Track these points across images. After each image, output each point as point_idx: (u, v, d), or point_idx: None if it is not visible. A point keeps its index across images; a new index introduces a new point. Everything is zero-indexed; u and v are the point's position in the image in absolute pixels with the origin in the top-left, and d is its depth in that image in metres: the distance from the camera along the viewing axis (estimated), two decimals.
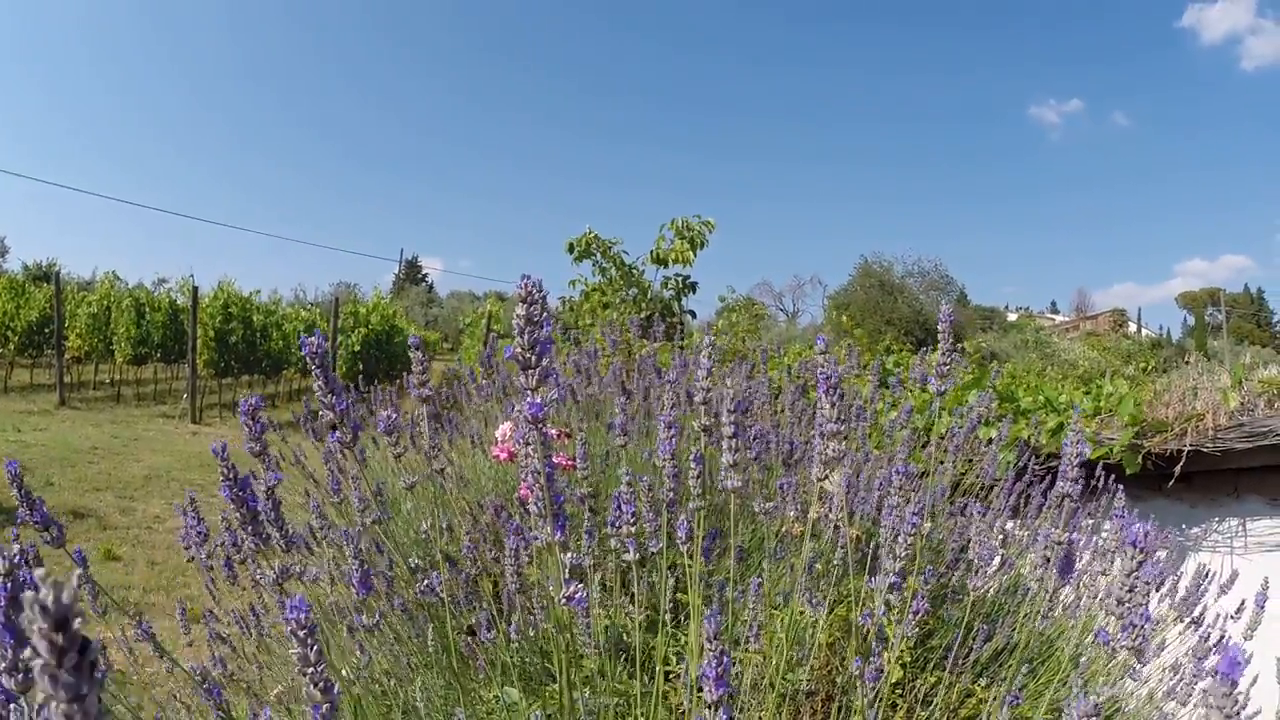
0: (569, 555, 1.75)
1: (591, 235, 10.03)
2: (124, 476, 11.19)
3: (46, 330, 20.93)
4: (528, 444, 1.57)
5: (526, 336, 1.42)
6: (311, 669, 1.16)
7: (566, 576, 1.76)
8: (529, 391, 1.44)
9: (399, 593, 2.66)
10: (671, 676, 2.53)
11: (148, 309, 21.06)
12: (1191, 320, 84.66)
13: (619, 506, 2.08)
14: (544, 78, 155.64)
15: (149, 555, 7.97)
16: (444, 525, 2.90)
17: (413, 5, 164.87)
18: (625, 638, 2.58)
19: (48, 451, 12.29)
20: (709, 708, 1.16)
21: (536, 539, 1.63)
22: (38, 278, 31.13)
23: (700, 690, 1.19)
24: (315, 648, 1.15)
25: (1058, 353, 30.05)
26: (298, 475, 5.02)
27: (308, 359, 1.67)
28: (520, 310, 1.43)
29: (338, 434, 1.74)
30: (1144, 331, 63.03)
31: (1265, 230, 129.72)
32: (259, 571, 1.79)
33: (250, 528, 1.61)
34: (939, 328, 2.26)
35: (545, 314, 1.44)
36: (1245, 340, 63.54)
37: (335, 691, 1.20)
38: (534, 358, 1.44)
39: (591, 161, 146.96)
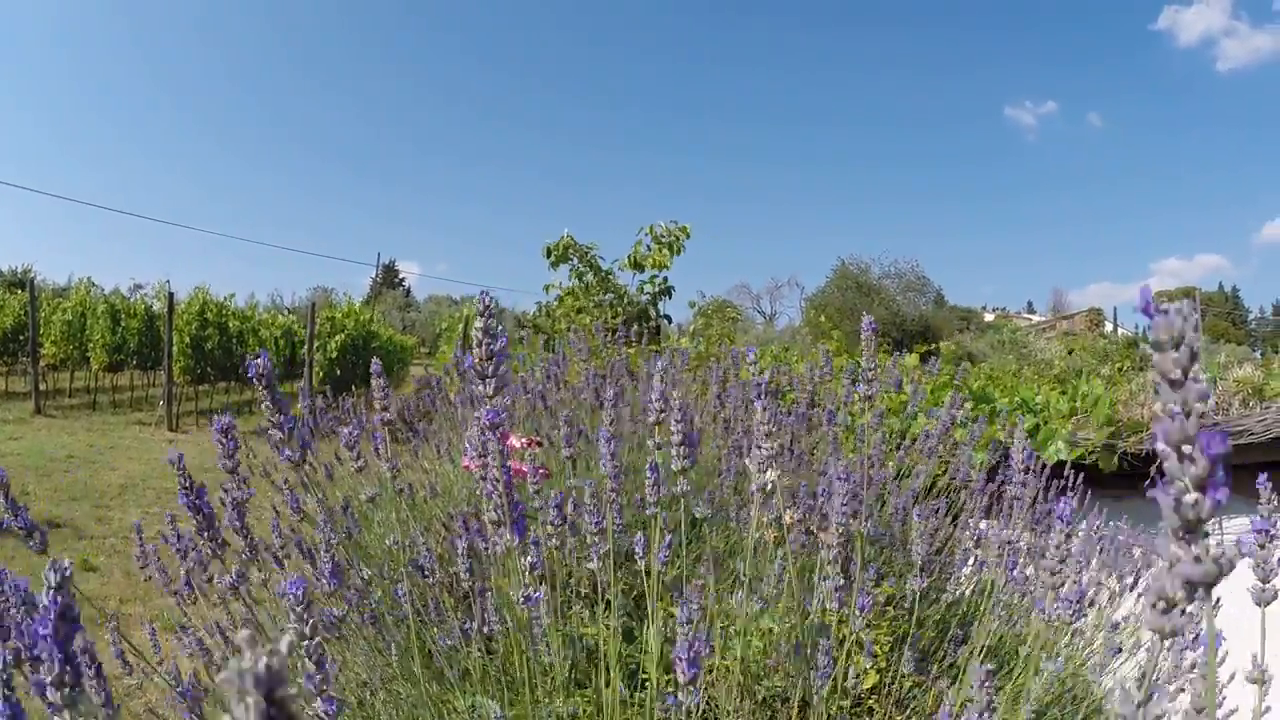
0: (528, 558, 1.77)
1: (569, 240, 10.05)
2: (100, 485, 11.14)
3: (21, 337, 20.82)
4: (484, 453, 1.58)
5: (484, 348, 1.47)
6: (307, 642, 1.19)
7: (526, 580, 1.78)
8: (486, 399, 1.47)
9: (369, 605, 2.65)
10: (645, 684, 2.53)
11: (123, 315, 20.93)
12: None
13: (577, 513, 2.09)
14: (519, 81, 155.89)
15: (125, 565, 7.93)
16: (414, 536, 2.89)
17: (387, 9, 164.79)
18: (594, 645, 2.58)
19: (23, 460, 12.22)
20: (681, 688, 1.19)
21: (496, 544, 1.65)
22: (12, 284, 30.99)
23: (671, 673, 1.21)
24: (311, 622, 1.18)
25: (1034, 353, 30.13)
26: (269, 487, 5.01)
27: (255, 379, 1.69)
28: (478, 324, 1.49)
29: (286, 452, 1.74)
30: (1120, 330, 63.09)
31: (1240, 230, 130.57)
32: (221, 578, 1.79)
33: (206, 533, 1.63)
34: (862, 336, 2.29)
35: (501, 326, 1.46)
36: (1221, 339, 63.74)
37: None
38: (491, 367, 1.49)
39: (569, 165, 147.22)
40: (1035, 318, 72.35)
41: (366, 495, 2.55)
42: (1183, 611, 0.68)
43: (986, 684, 1.48)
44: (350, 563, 2.68)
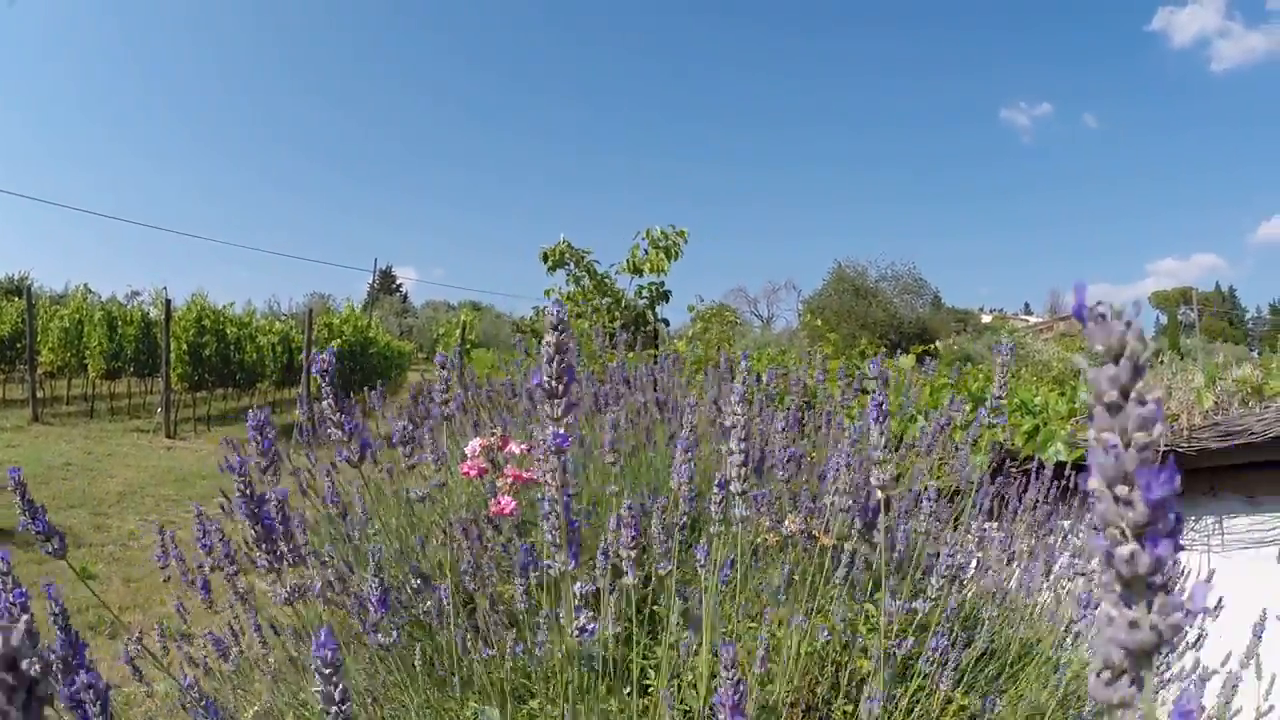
0: (579, 585, 1.73)
1: (565, 245, 10.03)
2: (98, 493, 11.11)
3: (18, 345, 20.77)
4: (548, 473, 1.55)
5: (555, 365, 1.40)
6: (335, 708, 1.13)
7: (578, 605, 1.74)
8: (552, 421, 1.43)
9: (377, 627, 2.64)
10: (650, 691, 2.52)
11: (120, 322, 20.89)
12: (1164, 319, 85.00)
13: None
14: (514, 86, 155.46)
15: (124, 572, 7.91)
16: (417, 543, 2.89)
17: (381, 14, 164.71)
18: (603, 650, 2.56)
19: (21, 468, 12.18)
20: None
21: (549, 567, 1.62)
22: (9, 291, 30.91)
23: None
24: (340, 686, 1.12)
25: (1031, 354, 30.13)
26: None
27: (319, 376, 1.66)
28: (549, 338, 1.42)
29: (345, 453, 1.73)
30: None
31: (1236, 229, 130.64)
32: (275, 590, 1.76)
33: (265, 545, 1.60)
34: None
35: (573, 342, 1.42)
36: (1218, 338, 63.87)
37: None
38: (560, 386, 1.43)
39: (565, 170, 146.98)
40: (1032, 319, 72.46)
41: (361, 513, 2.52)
42: (1133, 681, 0.57)
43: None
44: (351, 569, 2.66)
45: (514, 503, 2.71)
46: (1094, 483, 0.57)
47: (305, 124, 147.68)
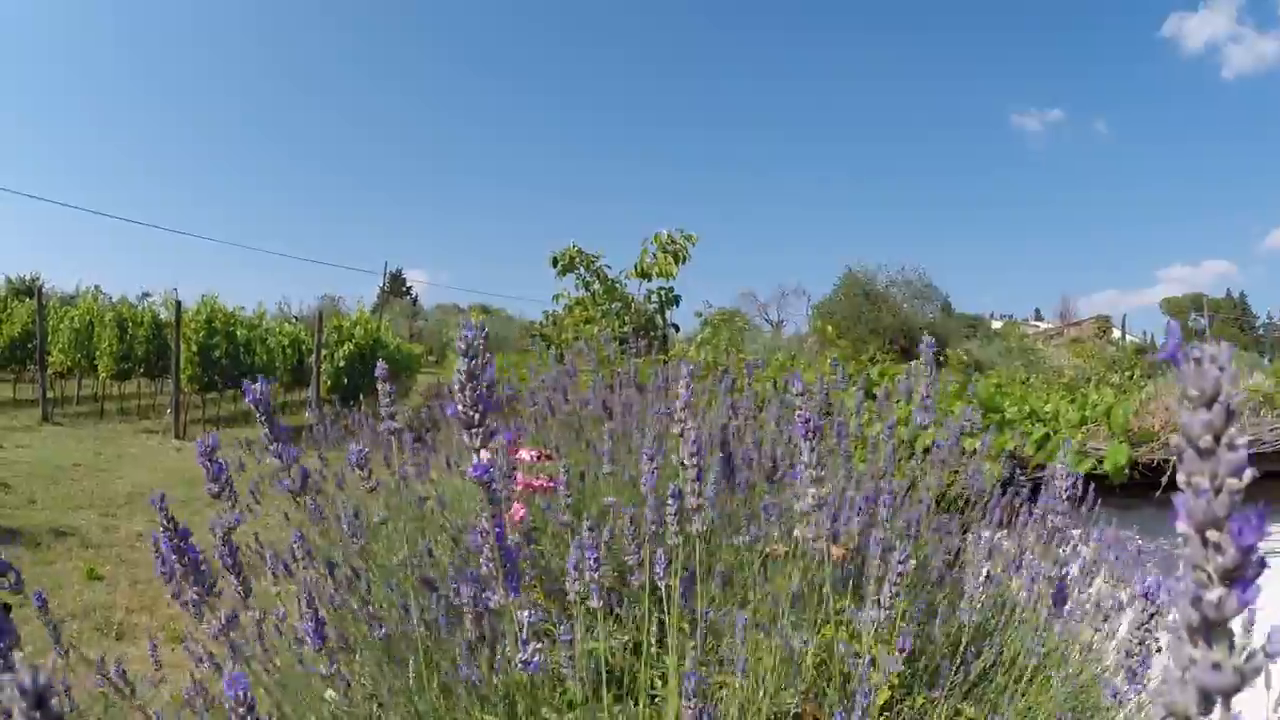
0: (525, 613, 1.65)
1: (575, 249, 10.02)
2: (107, 494, 11.13)
3: (29, 345, 20.85)
4: (480, 508, 1.50)
5: (468, 393, 1.37)
6: None
7: (524, 637, 1.68)
8: (473, 452, 1.38)
9: (380, 620, 2.62)
10: (658, 700, 2.51)
11: (130, 324, 20.93)
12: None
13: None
14: (524, 92, 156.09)
15: (131, 574, 7.92)
16: (425, 549, 2.87)
17: (389, 20, 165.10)
18: (609, 661, 2.55)
19: (31, 468, 12.22)
20: None
21: (490, 600, 1.57)
22: (20, 292, 30.95)
23: None
24: None
25: (1042, 360, 30.08)
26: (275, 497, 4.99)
27: (252, 405, 1.62)
28: (461, 366, 1.37)
29: (287, 481, 1.70)
30: (1128, 338, 63.03)
31: (1247, 236, 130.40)
32: (209, 624, 1.73)
33: (191, 579, 1.56)
34: (920, 356, 2.26)
35: (489, 367, 1.38)
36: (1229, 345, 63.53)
37: None
38: (477, 415, 1.39)
39: (575, 176, 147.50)
40: (1042, 325, 72.27)
41: (378, 518, 2.50)
42: None
43: None
44: (358, 574, 2.65)
45: (524, 509, 2.69)
46: (1183, 526, 0.58)
47: (317, 131, 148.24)
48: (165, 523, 1.48)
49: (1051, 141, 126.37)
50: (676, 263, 9.82)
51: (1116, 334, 59.08)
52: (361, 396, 20.40)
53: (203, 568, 1.55)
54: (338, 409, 8.09)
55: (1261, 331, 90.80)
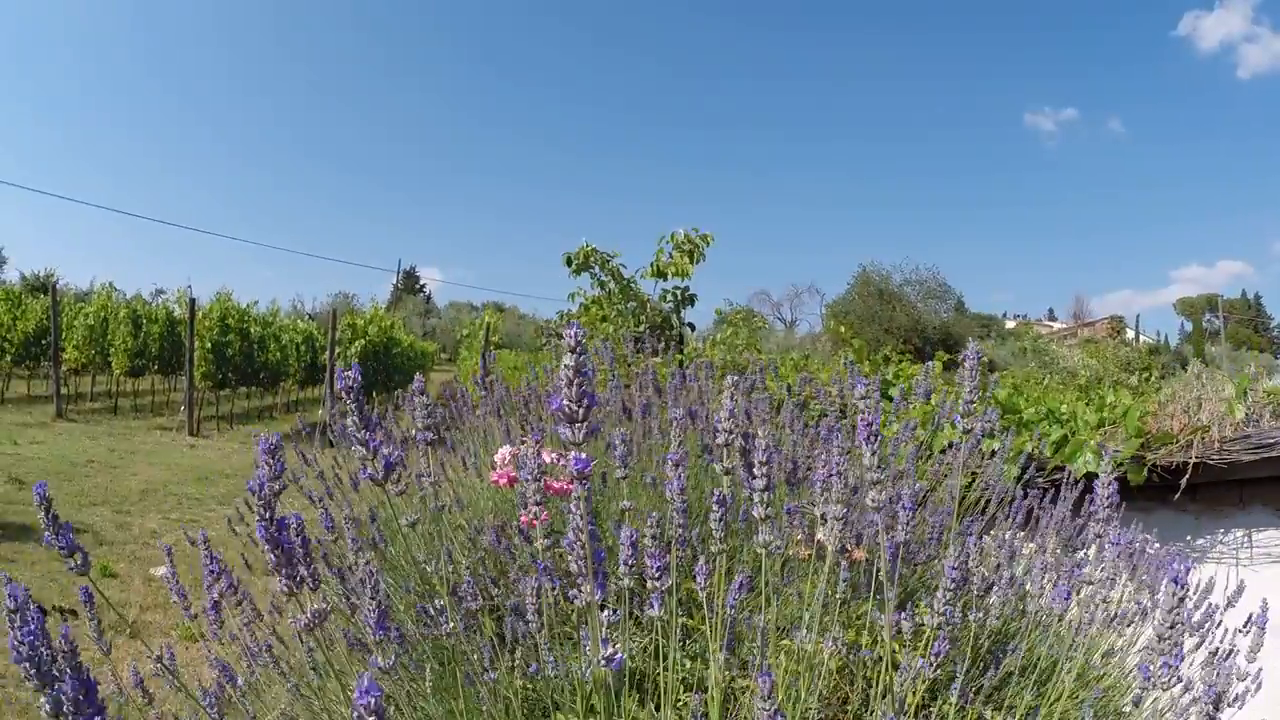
0: (607, 613, 1.66)
1: (590, 248, 9.98)
2: (121, 490, 11.13)
3: (43, 341, 20.89)
4: (575, 500, 1.48)
5: (574, 388, 1.39)
6: None
7: (604, 635, 1.68)
8: (574, 446, 1.39)
9: (398, 624, 2.60)
10: (680, 706, 2.48)
11: (145, 320, 20.99)
12: (1189, 326, 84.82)
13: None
14: (538, 91, 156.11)
15: (145, 571, 7.91)
16: (445, 552, 2.85)
17: (407, 18, 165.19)
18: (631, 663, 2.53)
19: (44, 464, 12.22)
20: None
21: (574, 598, 1.56)
22: (35, 288, 31.06)
23: None
24: None
25: (1057, 360, 30.00)
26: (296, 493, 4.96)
27: (344, 393, 1.60)
28: (568, 361, 1.39)
29: (369, 470, 1.67)
30: (1141, 338, 62.97)
31: (1263, 236, 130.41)
32: (295, 618, 1.69)
33: (285, 570, 1.54)
34: (965, 365, 2.22)
35: (591, 364, 1.37)
36: (1243, 346, 63.54)
37: None
38: (580, 410, 1.41)
39: (590, 175, 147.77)
40: (1056, 325, 72.28)
41: (407, 520, 2.47)
42: None
43: None
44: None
45: (545, 513, 2.67)
46: None
47: (334, 129, 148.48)
48: (262, 512, 1.49)
49: (1066, 141, 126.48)
50: (692, 262, 9.78)
51: (1130, 334, 59.04)
52: (375, 394, 20.42)
53: (296, 556, 1.56)
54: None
55: (1276, 333, 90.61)
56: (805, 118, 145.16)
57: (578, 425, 1.38)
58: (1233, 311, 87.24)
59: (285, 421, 21.10)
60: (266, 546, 1.49)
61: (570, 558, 1.53)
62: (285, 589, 1.52)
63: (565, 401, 1.38)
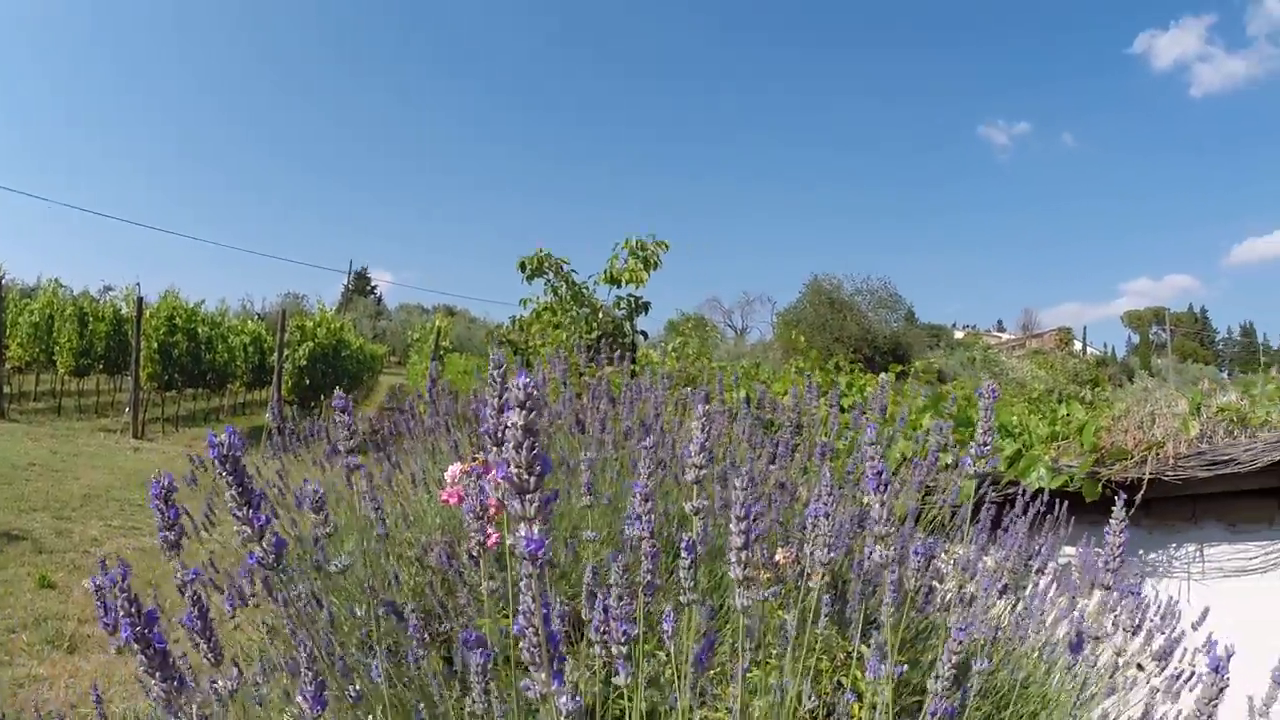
0: (564, 700, 1.46)
1: (544, 253, 9.89)
2: (62, 495, 10.91)
3: None
4: (525, 579, 1.30)
5: (525, 453, 1.15)
6: None
7: None
8: (524, 523, 1.18)
9: (343, 653, 2.51)
10: None
11: (91, 318, 20.64)
12: (1136, 339, 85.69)
13: None
14: (495, 95, 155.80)
15: (86, 581, 7.72)
16: (392, 574, 2.76)
17: (366, 18, 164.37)
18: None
19: None
20: None
21: (528, 689, 1.39)
22: None
23: None
24: None
25: (1006, 371, 30.19)
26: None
27: (216, 461, 1.46)
28: (515, 419, 1.15)
29: (255, 555, 1.54)
30: (1089, 350, 63.63)
31: (1210, 251, 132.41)
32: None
33: (159, 675, 1.40)
34: (980, 404, 2.15)
35: (543, 420, 1.24)
36: (1189, 359, 64.31)
37: None
38: (532, 479, 1.18)
39: (542, 179, 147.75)
40: (1005, 336, 72.96)
41: (338, 566, 2.36)
42: None
43: None
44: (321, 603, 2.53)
45: (498, 534, 2.57)
46: None
47: (285, 126, 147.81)
48: (126, 606, 1.34)
49: (1018, 154, 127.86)
50: (647, 269, 9.72)
51: (1078, 346, 59.67)
52: (323, 398, 20.25)
53: (172, 662, 1.41)
54: (297, 412, 7.95)
55: (1221, 346, 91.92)
56: (759, 126, 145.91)
57: (528, 497, 1.20)
58: (1179, 325, 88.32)
59: (232, 424, 20.89)
60: (135, 647, 1.37)
61: (522, 644, 1.36)
62: (160, 697, 1.40)
63: (513, 469, 1.15)
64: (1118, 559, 2.14)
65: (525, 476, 1.17)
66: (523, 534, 1.20)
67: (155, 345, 19.11)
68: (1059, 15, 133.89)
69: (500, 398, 1.26)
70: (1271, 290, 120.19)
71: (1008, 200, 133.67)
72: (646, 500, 1.86)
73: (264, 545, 1.56)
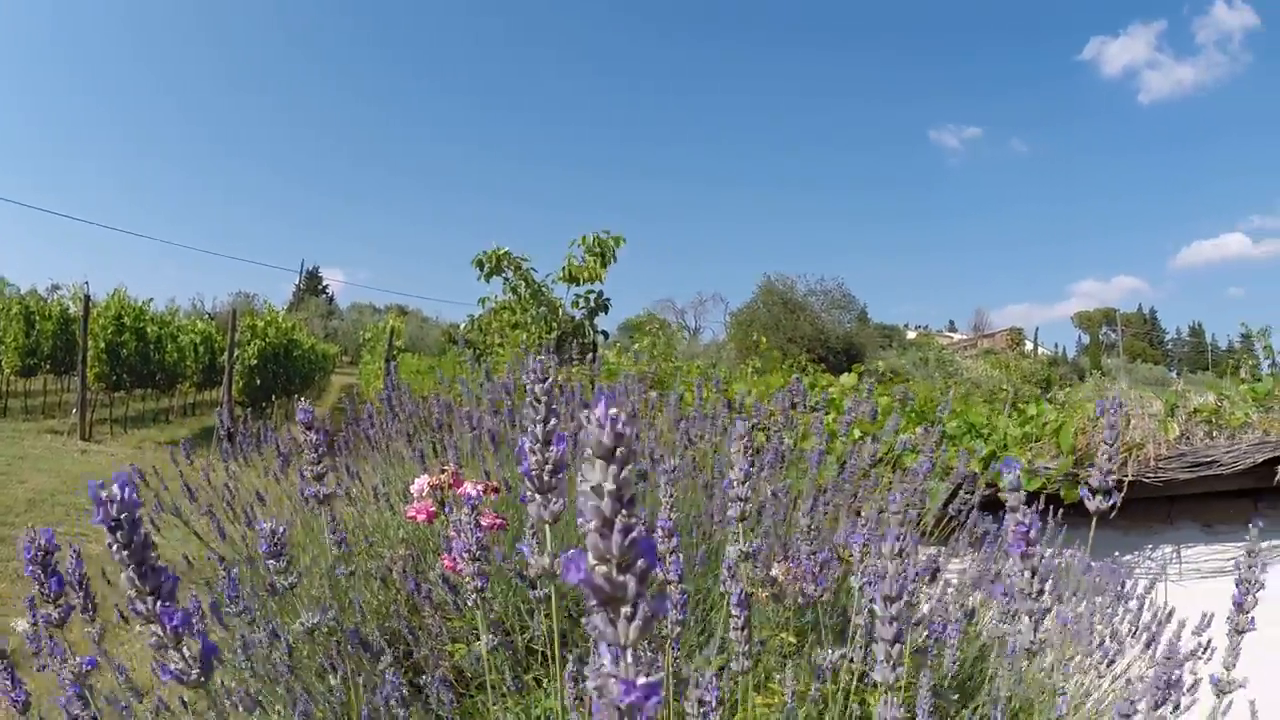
0: None
1: (502, 251, 9.72)
2: (6, 500, 10.61)
3: None
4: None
5: (616, 538, 0.67)
6: None
7: None
8: (631, 663, 0.73)
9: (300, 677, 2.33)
10: None
11: (38, 317, 20.26)
12: (1086, 339, 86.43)
13: None
14: (452, 95, 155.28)
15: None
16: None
17: (316, 16, 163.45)
18: None
19: None
20: None
21: None
22: None
23: None
24: None
25: (961, 371, 30.27)
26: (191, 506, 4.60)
27: (109, 530, 1.07)
28: (599, 479, 0.67)
29: (172, 669, 1.17)
30: (1040, 350, 64.03)
31: (1158, 254, 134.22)
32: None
33: None
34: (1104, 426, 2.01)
35: (561, 432, 1.01)
36: (1139, 358, 64.89)
37: None
38: (632, 581, 0.72)
39: (495, 178, 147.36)
40: (957, 336, 73.47)
41: (303, 625, 2.12)
42: None
43: None
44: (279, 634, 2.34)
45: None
46: None
47: (237, 122, 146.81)
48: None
49: (969, 158, 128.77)
50: (603, 264, 9.57)
51: (1029, 346, 60.13)
52: (275, 399, 19.98)
53: None
54: (248, 413, 7.73)
55: (1170, 347, 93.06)
56: (712, 128, 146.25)
57: (628, 613, 0.74)
58: (1129, 325, 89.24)
59: (181, 426, 20.59)
60: None
61: None
62: None
63: (599, 567, 0.71)
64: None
65: (620, 578, 0.75)
66: (626, 683, 0.74)
67: (103, 345, 18.76)
68: (1011, 22, 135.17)
69: (546, 423, 0.99)
70: (1217, 292, 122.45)
71: (959, 203, 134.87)
72: (671, 536, 1.60)
73: (184, 655, 1.13)
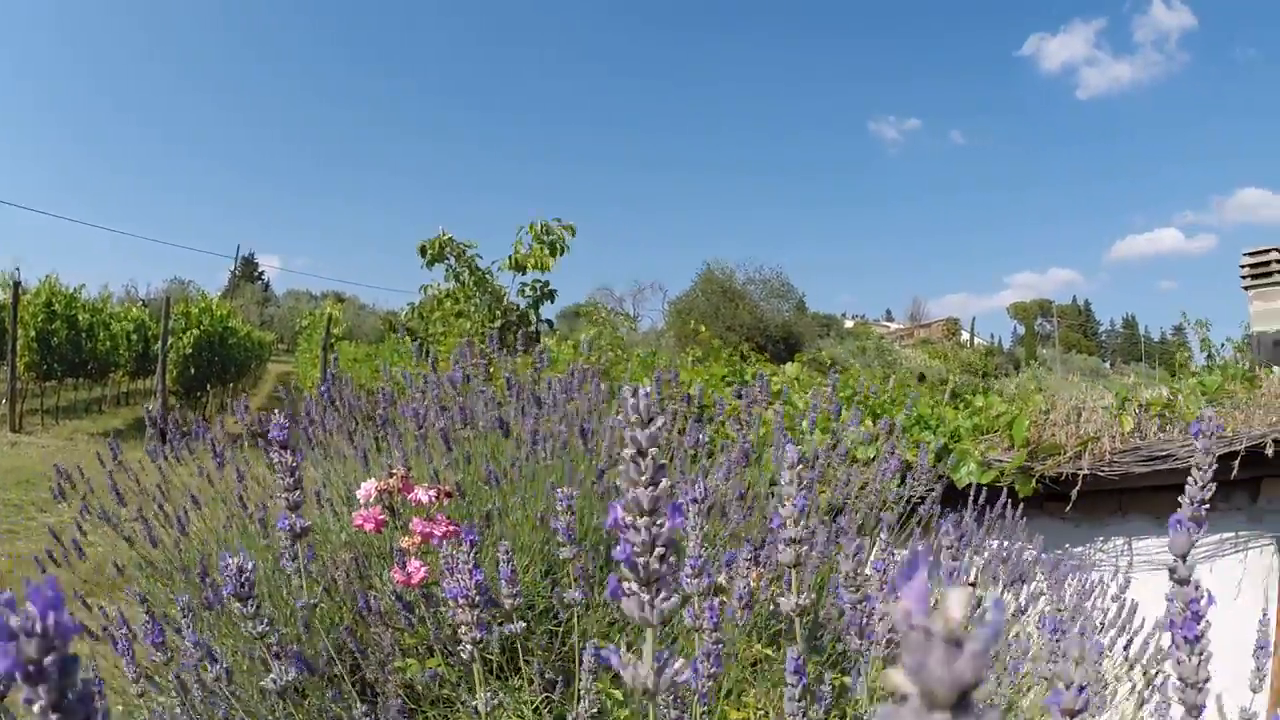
0: None
1: (446, 237, 9.53)
2: None
3: None
4: None
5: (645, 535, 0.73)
6: None
7: None
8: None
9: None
10: None
11: None
12: (1021, 330, 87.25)
13: None
14: (388, 78, 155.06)
15: None
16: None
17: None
18: None
19: None
20: None
21: None
22: None
23: None
24: None
25: (900, 361, 30.41)
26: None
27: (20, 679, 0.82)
28: (637, 491, 0.72)
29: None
30: (976, 340, 64.54)
31: (1093, 246, 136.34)
32: None
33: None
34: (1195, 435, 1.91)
35: (676, 493, 0.80)
36: (1073, 349, 65.62)
37: None
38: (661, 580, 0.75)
39: (434, 164, 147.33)
40: (894, 325, 74.10)
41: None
42: None
43: None
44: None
45: (424, 568, 2.22)
46: None
47: (170, 109, 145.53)
48: None
49: (908, 149, 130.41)
50: (553, 255, 9.42)
51: (965, 336, 60.69)
52: (210, 388, 19.67)
53: None
54: (182, 403, 7.52)
55: (1103, 338, 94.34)
56: (652, 116, 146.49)
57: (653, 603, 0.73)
58: (1064, 316, 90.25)
59: (115, 416, 20.23)
60: None
61: None
62: None
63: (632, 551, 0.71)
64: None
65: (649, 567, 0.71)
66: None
67: (34, 333, 18.35)
68: (952, 16, 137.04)
69: (654, 485, 0.75)
70: (1149, 285, 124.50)
71: (897, 193, 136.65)
72: (700, 576, 1.40)
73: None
